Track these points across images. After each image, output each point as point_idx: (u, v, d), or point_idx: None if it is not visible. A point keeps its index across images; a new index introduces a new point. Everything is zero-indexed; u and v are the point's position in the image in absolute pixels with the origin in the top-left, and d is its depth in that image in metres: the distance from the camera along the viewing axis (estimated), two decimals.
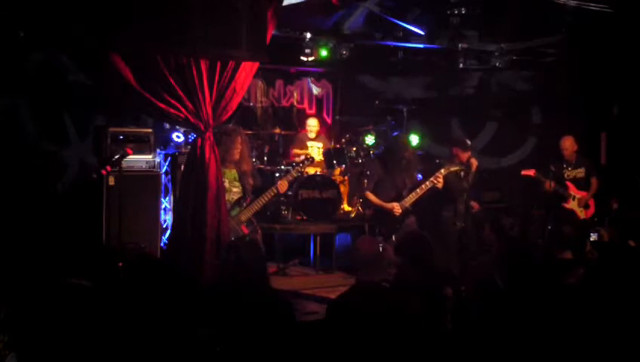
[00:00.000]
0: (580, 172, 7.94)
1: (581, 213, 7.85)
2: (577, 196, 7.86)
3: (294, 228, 7.95)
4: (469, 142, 7.33)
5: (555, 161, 7.92)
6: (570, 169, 7.93)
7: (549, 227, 8.11)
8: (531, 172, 7.88)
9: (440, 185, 6.57)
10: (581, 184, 7.89)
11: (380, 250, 5.16)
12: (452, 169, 6.75)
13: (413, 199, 6.61)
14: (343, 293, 4.09)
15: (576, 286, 4.03)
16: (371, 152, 8.57)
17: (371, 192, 6.88)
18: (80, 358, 3.19)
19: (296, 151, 8.55)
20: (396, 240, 5.02)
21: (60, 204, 7.18)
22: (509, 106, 9.94)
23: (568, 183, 7.90)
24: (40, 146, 7.56)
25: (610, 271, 3.64)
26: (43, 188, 7.27)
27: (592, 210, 7.90)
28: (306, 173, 8.16)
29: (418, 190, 6.58)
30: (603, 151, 9.34)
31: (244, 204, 6.45)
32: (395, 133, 8.77)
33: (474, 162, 7.11)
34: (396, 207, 6.59)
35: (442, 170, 6.63)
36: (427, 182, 6.57)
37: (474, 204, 7.30)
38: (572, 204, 7.87)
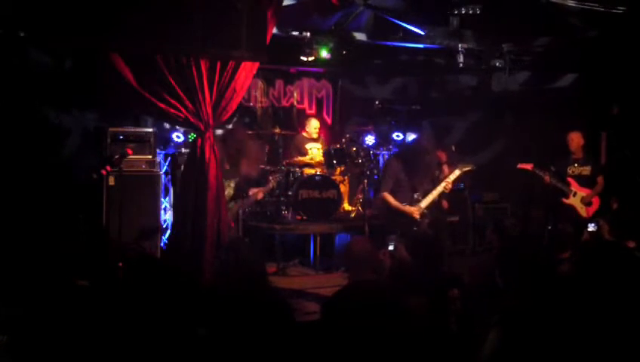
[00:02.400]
0: (586, 170, 7.90)
1: (582, 210, 7.80)
2: (579, 192, 7.82)
3: (294, 228, 7.95)
4: (453, 148, 7.80)
5: (559, 157, 7.94)
6: (576, 165, 7.90)
7: (549, 227, 8.10)
8: (529, 166, 7.89)
9: (449, 189, 6.56)
10: (585, 181, 7.85)
11: (391, 248, 5.17)
12: (465, 170, 6.78)
13: (430, 201, 6.51)
14: (336, 292, 4.12)
15: (570, 274, 4.01)
16: (372, 152, 8.56)
17: (389, 193, 6.66)
18: (80, 358, 3.19)
19: (300, 159, 8.46)
20: (412, 240, 5.03)
21: (60, 203, 7.17)
22: (509, 106, 9.94)
23: (570, 179, 7.87)
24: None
25: (604, 264, 3.63)
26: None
27: (594, 208, 7.83)
28: (305, 173, 8.18)
29: (434, 192, 6.48)
30: (603, 151, 9.34)
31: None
32: (417, 135, 8.79)
33: (446, 170, 7.22)
34: (415, 212, 6.42)
35: (456, 172, 6.64)
36: (440, 186, 6.51)
37: (444, 203, 7.81)
38: (572, 200, 7.81)
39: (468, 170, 6.92)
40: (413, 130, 9.64)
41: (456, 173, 6.62)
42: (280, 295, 4.15)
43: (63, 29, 5.46)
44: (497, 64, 9.14)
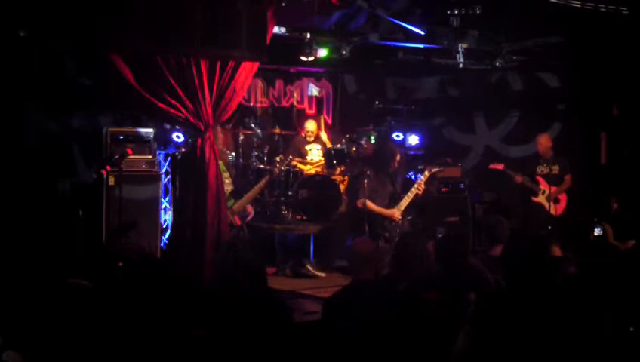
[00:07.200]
0: (555, 169, 8.13)
1: (550, 208, 7.97)
2: (547, 191, 8.03)
3: (294, 228, 7.94)
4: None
5: (528, 159, 8.27)
6: (545, 165, 8.14)
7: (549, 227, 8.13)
8: (500, 166, 8.16)
9: (421, 191, 6.77)
10: (554, 180, 8.05)
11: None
12: (433, 171, 7.01)
13: (407, 203, 6.74)
14: (337, 292, 4.13)
15: (575, 276, 4.01)
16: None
17: (369, 199, 6.89)
18: (80, 358, 3.19)
19: (298, 160, 8.45)
20: (443, 237, 5.17)
21: (60, 203, 7.17)
22: (509, 105, 9.94)
23: (539, 178, 8.10)
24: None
25: (607, 267, 3.64)
26: None
27: (562, 206, 8.06)
28: (306, 172, 8.18)
29: (409, 194, 6.72)
30: (603, 151, 9.34)
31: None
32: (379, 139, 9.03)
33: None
34: (396, 213, 6.68)
35: (425, 173, 6.87)
36: (413, 188, 6.76)
37: None
38: (541, 198, 8.06)
39: (436, 171, 7.33)
40: (413, 131, 9.64)
41: (426, 174, 6.89)
42: (278, 295, 4.16)
43: (63, 29, 5.47)
44: (497, 64, 9.14)
